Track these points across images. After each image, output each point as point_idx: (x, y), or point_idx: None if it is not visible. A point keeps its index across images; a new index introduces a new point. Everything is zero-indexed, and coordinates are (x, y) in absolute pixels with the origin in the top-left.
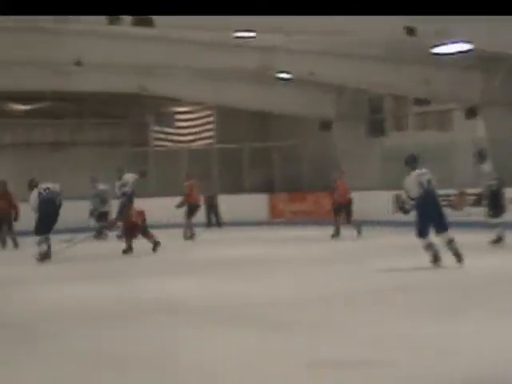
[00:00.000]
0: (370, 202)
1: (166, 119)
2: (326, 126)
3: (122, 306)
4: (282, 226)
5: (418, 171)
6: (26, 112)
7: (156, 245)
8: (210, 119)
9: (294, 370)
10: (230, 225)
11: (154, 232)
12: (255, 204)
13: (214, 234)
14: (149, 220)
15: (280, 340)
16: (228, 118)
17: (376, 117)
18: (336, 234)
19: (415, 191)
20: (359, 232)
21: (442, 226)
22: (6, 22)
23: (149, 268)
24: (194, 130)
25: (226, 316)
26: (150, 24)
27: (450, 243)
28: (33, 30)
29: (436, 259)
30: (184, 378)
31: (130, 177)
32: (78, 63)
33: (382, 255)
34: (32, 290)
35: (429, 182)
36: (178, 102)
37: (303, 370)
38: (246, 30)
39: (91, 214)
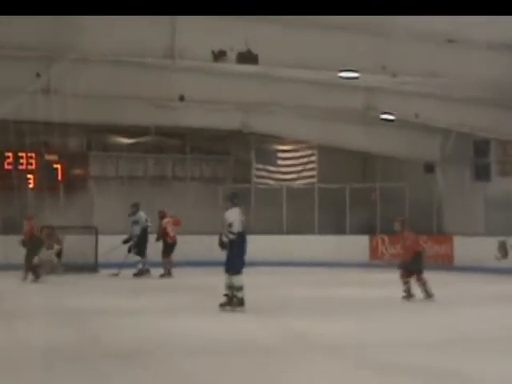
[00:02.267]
0: (473, 248)
1: (268, 157)
2: (430, 168)
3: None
4: (382, 268)
5: (239, 209)
6: (130, 145)
7: None
8: (312, 158)
9: None
10: (330, 265)
11: (252, 269)
12: (356, 245)
13: (319, 274)
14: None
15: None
16: (330, 157)
17: (481, 161)
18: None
19: (238, 226)
20: None
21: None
22: (115, 57)
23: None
24: (295, 169)
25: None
26: (254, 61)
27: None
28: (139, 65)
29: (241, 303)
30: None
31: (143, 215)
32: (182, 99)
33: (491, 302)
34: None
35: (244, 221)
36: (280, 139)
37: None
38: (350, 69)
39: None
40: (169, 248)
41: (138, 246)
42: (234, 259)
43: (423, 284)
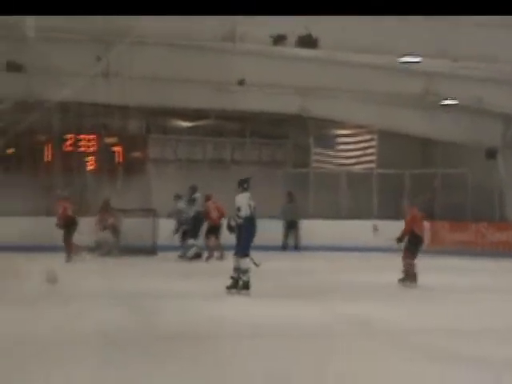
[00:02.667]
0: None
1: (327, 141)
2: (491, 154)
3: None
4: (442, 254)
5: (248, 194)
6: (189, 129)
7: None
8: (372, 143)
9: None
10: (388, 251)
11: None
12: None
13: (376, 260)
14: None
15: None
16: (390, 142)
17: None
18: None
19: (246, 211)
20: None
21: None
22: (176, 41)
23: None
24: (354, 154)
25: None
26: (314, 45)
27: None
28: (200, 48)
29: (246, 286)
30: None
31: (198, 196)
32: (242, 83)
33: None
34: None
35: (254, 206)
36: (339, 124)
37: None
38: (411, 54)
39: (176, 231)
40: (211, 230)
41: (193, 228)
42: (242, 243)
43: (411, 266)
